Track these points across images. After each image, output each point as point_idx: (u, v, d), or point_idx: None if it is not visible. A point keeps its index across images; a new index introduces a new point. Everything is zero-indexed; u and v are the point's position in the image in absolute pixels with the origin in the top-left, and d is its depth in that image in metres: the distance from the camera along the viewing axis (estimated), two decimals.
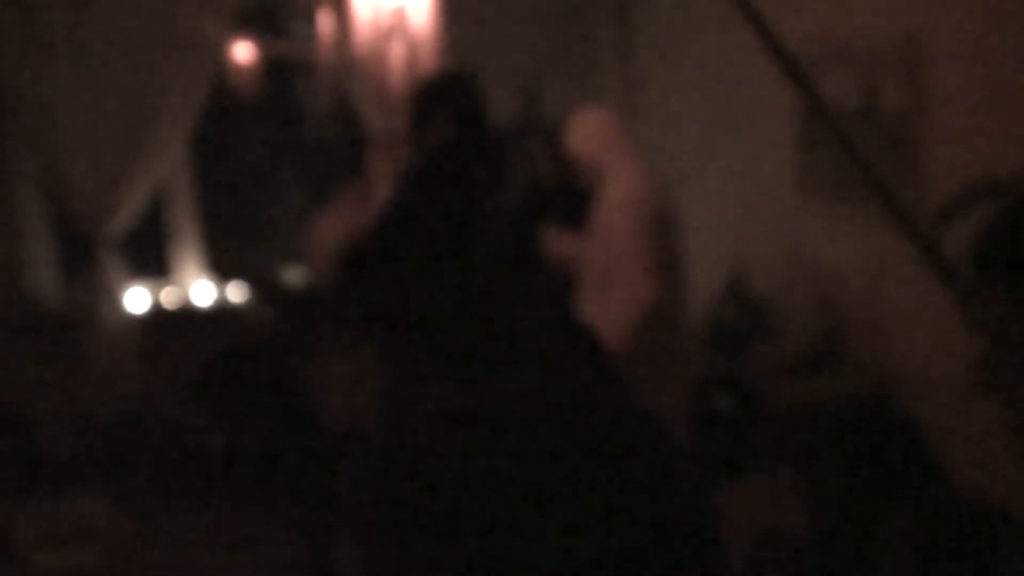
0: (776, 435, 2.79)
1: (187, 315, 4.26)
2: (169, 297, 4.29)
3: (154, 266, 4.30)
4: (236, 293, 4.35)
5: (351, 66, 3.24)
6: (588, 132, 2.90)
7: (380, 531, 0.84)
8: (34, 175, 3.98)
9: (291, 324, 3.91)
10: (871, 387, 2.86)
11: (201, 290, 4.31)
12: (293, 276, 4.40)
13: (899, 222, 1.69)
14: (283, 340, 3.76)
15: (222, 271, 4.39)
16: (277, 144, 4.69)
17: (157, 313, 4.23)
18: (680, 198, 3.01)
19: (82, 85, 3.83)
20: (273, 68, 3.92)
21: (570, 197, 3.04)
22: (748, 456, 3.07)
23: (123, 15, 3.80)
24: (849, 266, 3.11)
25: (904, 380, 2.86)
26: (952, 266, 1.60)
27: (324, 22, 3.00)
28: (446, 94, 2.75)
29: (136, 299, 4.19)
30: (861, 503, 1.40)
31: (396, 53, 2.75)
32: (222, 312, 4.30)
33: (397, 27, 2.74)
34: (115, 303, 3.99)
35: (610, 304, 2.67)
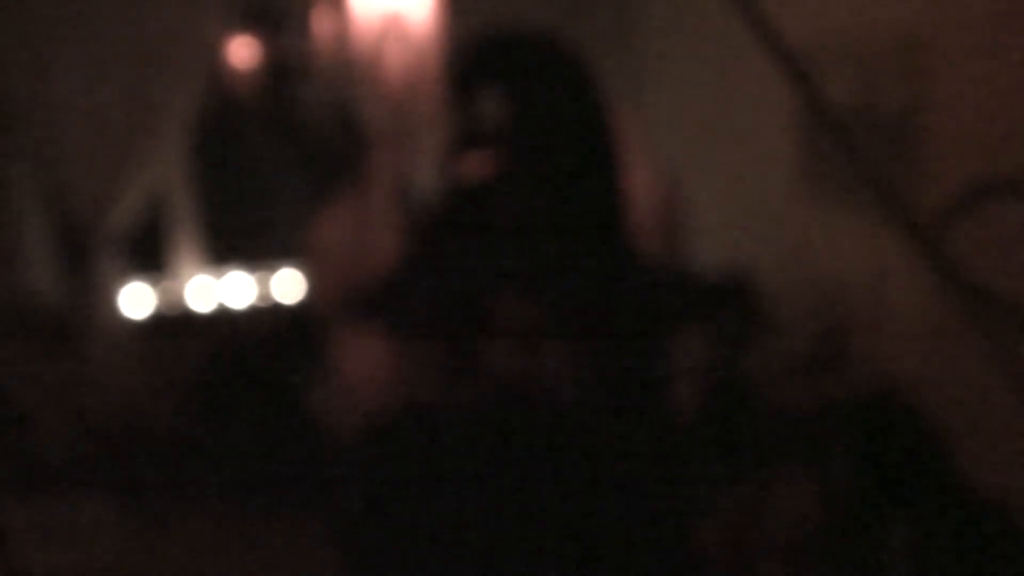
0: (778, 435, 2.78)
1: (185, 315, 4.26)
2: (167, 296, 4.28)
3: (152, 265, 4.30)
4: (234, 292, 4.35)
5: (349, 65, 3.23)
6: None
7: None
8: (31, 174, 3.97)
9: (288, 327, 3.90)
10: (873, 387, 2.85)
11: (199, 289, 4.30)
12: (290, 277, 4.40)
13: (900, 221, 1.69)
14: (281, 341, 3.75)
15: (220, 270, 4.38)
16: (275, 143, 4.68)
17: (155, 313, 4.23)
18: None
19: (79, 83, 3.82)
20: (271, 67, 3.91)
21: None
22: (750, 456, 3.07)
23: (121, 14, 3.80)
24: (850, 266, 3.11)
25: (906, 380, 2.85)
26: (953, 265, 1.60)
27: (322, 21, 3.00)
28: (501, 62, 1.77)
29: (134, 298, 4.18)
30: (865, 502, 1.39)
31: (395, 52, 2.74)
32: (220, 312, 4.29)
33: (395, 26, 2.73)
34: (113, 302, 3.99)
35: None
